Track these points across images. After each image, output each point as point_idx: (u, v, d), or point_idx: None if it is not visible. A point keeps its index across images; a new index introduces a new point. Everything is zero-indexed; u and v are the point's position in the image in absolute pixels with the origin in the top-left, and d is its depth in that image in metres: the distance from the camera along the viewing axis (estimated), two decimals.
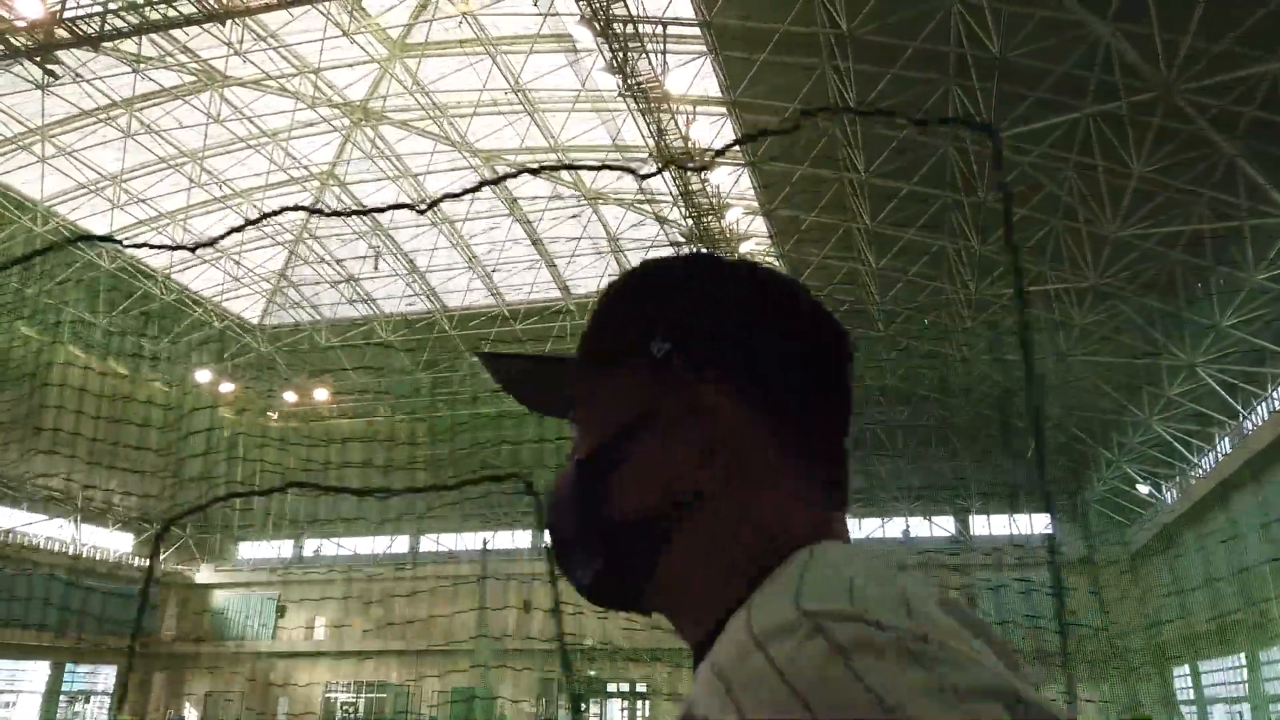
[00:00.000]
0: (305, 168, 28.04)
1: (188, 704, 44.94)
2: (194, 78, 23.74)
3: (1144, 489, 30.53)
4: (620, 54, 15.79)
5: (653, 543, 0.70)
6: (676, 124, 17.78)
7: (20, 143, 24.51)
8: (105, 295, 30.16)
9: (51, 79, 18.78)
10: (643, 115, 17.51)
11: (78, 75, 21.96)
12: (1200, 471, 27.57)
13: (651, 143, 18.52)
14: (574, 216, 28.55)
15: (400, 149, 27.29)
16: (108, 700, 42.79)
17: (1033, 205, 19.78)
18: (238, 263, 31.82)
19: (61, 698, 40.59)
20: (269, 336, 35.92)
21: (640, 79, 16.43)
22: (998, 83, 17.30)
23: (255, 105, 25.32)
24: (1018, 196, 20.18)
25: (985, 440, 35.41)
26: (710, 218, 21.14)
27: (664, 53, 16.61)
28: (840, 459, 0.73)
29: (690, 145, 18.37)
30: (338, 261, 32.99)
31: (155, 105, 24.91)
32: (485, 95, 23.15)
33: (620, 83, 16.65)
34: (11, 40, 15.76)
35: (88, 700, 42.30)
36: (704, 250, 0.95)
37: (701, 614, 0.67)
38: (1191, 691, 30.32)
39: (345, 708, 42.72)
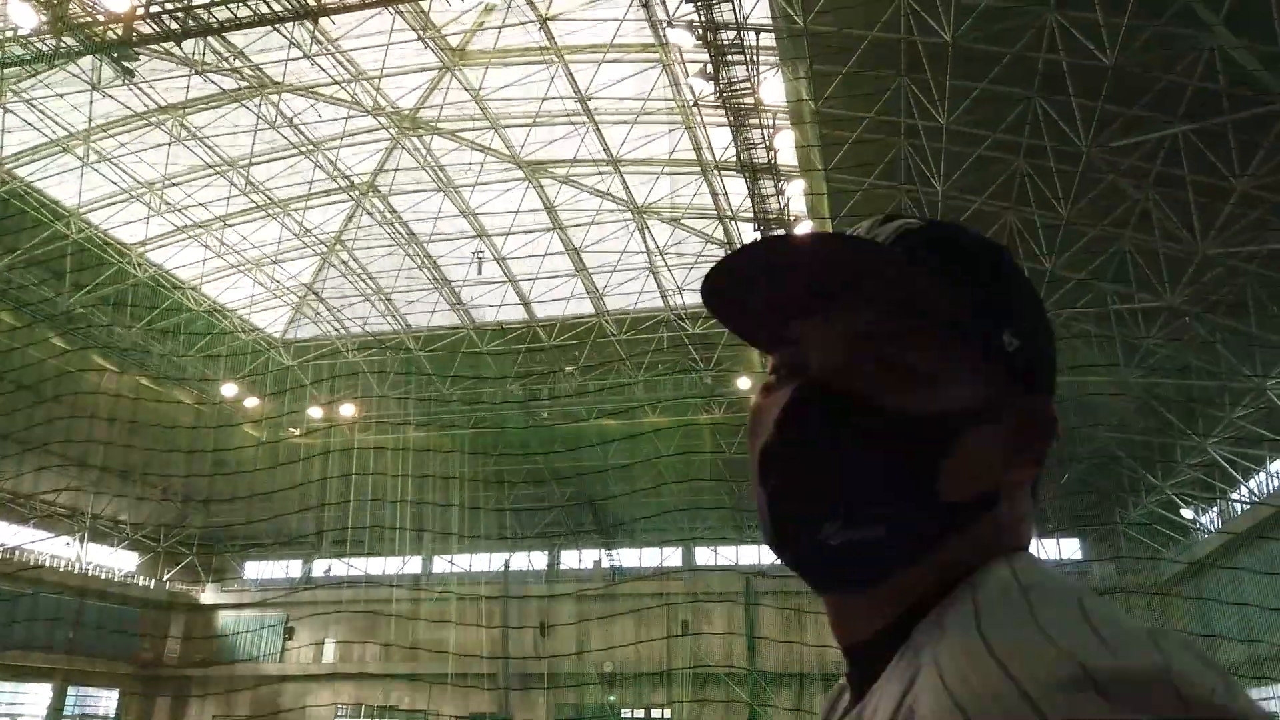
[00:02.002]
0: (348, 177, 27.54)
1: None
2: (246, 83, 23.26)
3: (1188, 513, 30.30)
4: (718, 60, 15.49)
5: (952, 528, 0.67)
6: (764, 133, 17.47)
7: (65, 145, 23.89)
8: (133, 308, 29.42)
9: (127, 77, 18.21)
10: (733, 126, 17.18)
11: (130, 78, 21.45)
12: (1247, 493, 27.42)
13: (732, 152, 18.21)
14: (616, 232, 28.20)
15: (446, 160, 26.85)
16: None
17: (1114, 220, 19.63)
18: (271, 277, 31.24)
19: None
20: (294, 350, 35.22)
21: (735, 85, 16.10)
22: (1086, 96, 17.13)
23: (304, 114, 24.86)
24: (1094, 213, 20.06)
25: None
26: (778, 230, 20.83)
27: (757, 60, 16.31)
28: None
29: (771, 156, 18.07)
30: (370, 275, 32.43)
31: (202, 111, 24.39)
32: (546, 106, 22.77)
33: (714, 90, 16.32)
34: (92, 34, 15.23)
35: None
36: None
37: (890, 605, 0.66)
38: None
39: None
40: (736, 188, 24.19)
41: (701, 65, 16.13)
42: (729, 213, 23.18)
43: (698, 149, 23.39)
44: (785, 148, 18.55)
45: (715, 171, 21.87)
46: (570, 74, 22.07)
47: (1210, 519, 30.56)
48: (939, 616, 0.62)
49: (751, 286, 0.71)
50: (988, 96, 18.08)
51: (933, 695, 0.54)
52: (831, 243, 0.69)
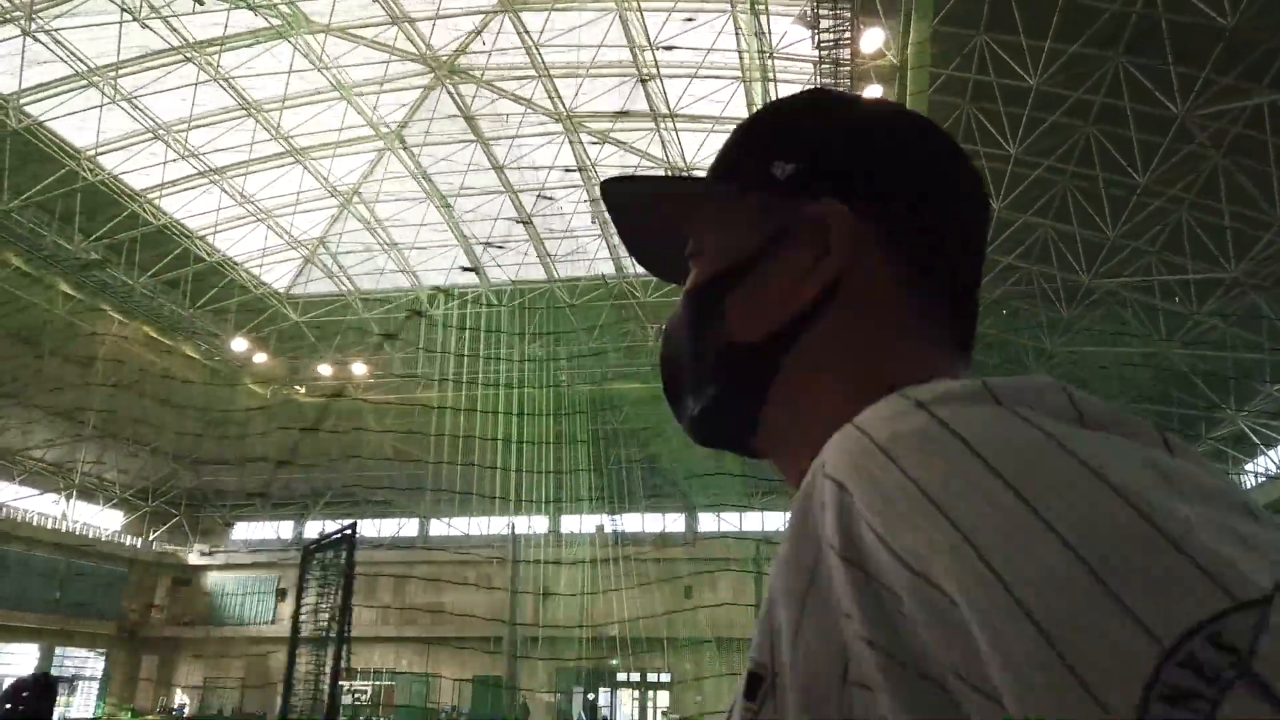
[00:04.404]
0: (376, 126, 26.56)
1: (179, 692, 42.79)
2: (280, 21, 22.19)
3: None
4: (819, 8, 14.94)
5: (768, 366, 0.67)
6: (853, 88, 16.99)
7: (91, 79, 22.61)
8: (141, 257, 28.22)
9: (197, 4, 17.13)
10: (829, 77, 16.66)
11: (157, 12, 20.34)
12: (1267, 464, 27.89)
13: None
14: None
15: (481, 111, 25.98)
16: (95, 687, 40.59)
17: (1185, 187, 19.53)
18: (288, 232, 30.21)
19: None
20: (303, 306, 34.19)
21: (837, 36, 15.57)
22: (1181, 60, 16.92)
23: (341, 57, 23.82)
24: (1167, 181, 19.94)
25: None
26: None
27: (854, 13, 15.79)
28: (970, 309, 0.69)
29: None
30: (386, 228, 31.50)
31: (232, 50, 23.23)
32: (601, 55, 22.04)
33: (813, 39, 15.78)
34: None
35: (73, 688, 39.95)
36: (829, 88, 0.95)
37: (808, 450, 0.62)
38: None
39: (355, 695, 41.06)
40: None
41: (801, 10, 15.57)
42: None
43: (750, 106, 22.85)
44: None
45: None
46: (627, 21, 21.37)
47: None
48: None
49: (647, 237, 0.78)
50: (1075, 60, 17.79)
51: (826, 451, 0.53)
52: (656, 184, 0.75)
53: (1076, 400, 0.47)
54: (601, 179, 0.78)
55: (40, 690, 4.10)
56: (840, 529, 0.48)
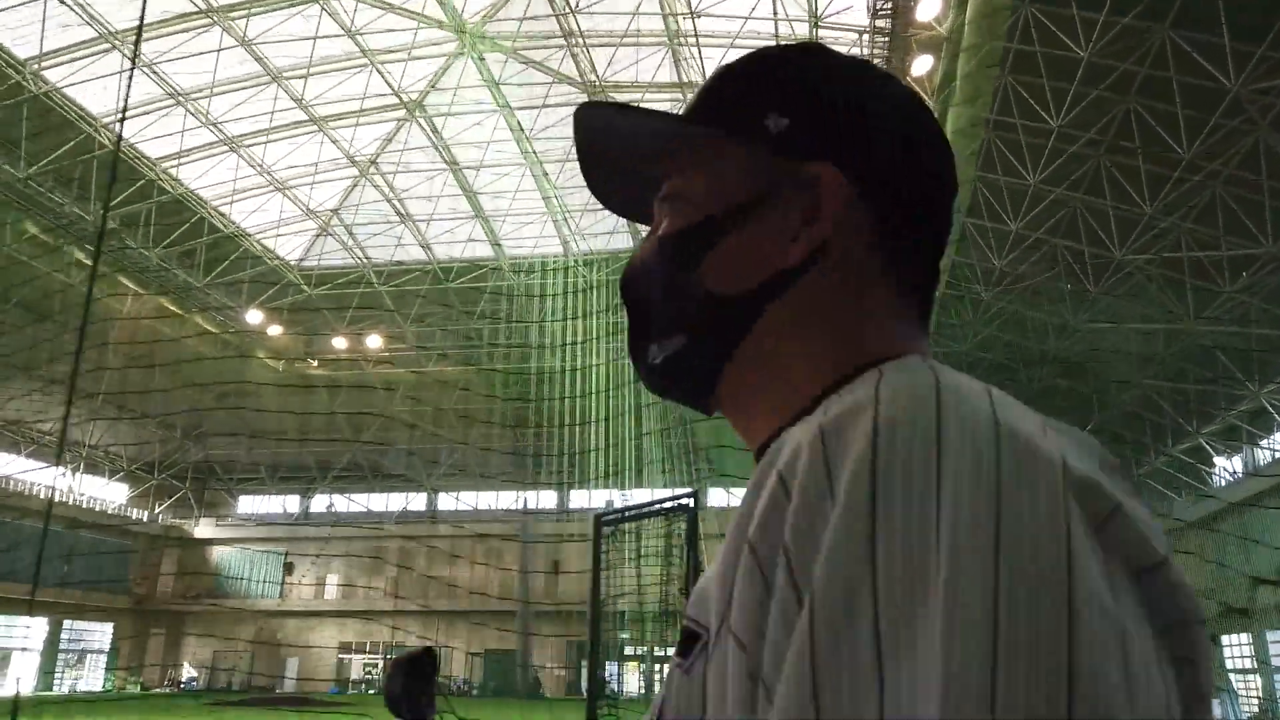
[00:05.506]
0: (399, 94, 26.19)
1: (186, 664, 42.76)
2: None
3: (1222, 462, 30.98)
4: None
5: (743, 321, 0.66)
6: (902, 59, 16.79)
7: (111, 41, 22.16)
8: (157, 226, 27.85)
9: None
10: (878, 47, 16.45)
11: None
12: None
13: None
14: None
15: (505, 80, 25.65)
16: (102, 659, 40.48)
17: (1225, 160, 19.46)
18: (305, 205, 29.82)
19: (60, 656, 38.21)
20: (316, 279, 33.86)
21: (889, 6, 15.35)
22: (1235, 35, 16.80)
23: (366, 26, 23.44)
24: (1208, 156, 19.85)
25: (1045, 411, 35.47)
26: None
27: None
28: (933, 278, 0.69)
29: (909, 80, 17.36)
30: (402, 201, 31.17)
31: (256, 16, 22.82)
32: (634, 25, 21.75)
33: (869, 6, 15.56)
34: None
35: (81, 660, 39.86)
36: (822, 44, 0.72)
37: (774, 416, 0.64)
38: (1242, 661, 31.14)
39: (367, 669, 41.13)
40: None
41: None
42: None
43: None
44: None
45: None
46: None
47: (1237, 465, 31.29)
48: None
49: (616, 170, 0.75)
50: (1123, 32, 17.64)
51: (787, 444, 0.53)
52: (631, 114, 0.70)
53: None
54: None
55: (430, 660, 4.14)
56: (760, 522, 0.50)
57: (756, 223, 0.67)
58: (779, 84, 0.69)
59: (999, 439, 0.45)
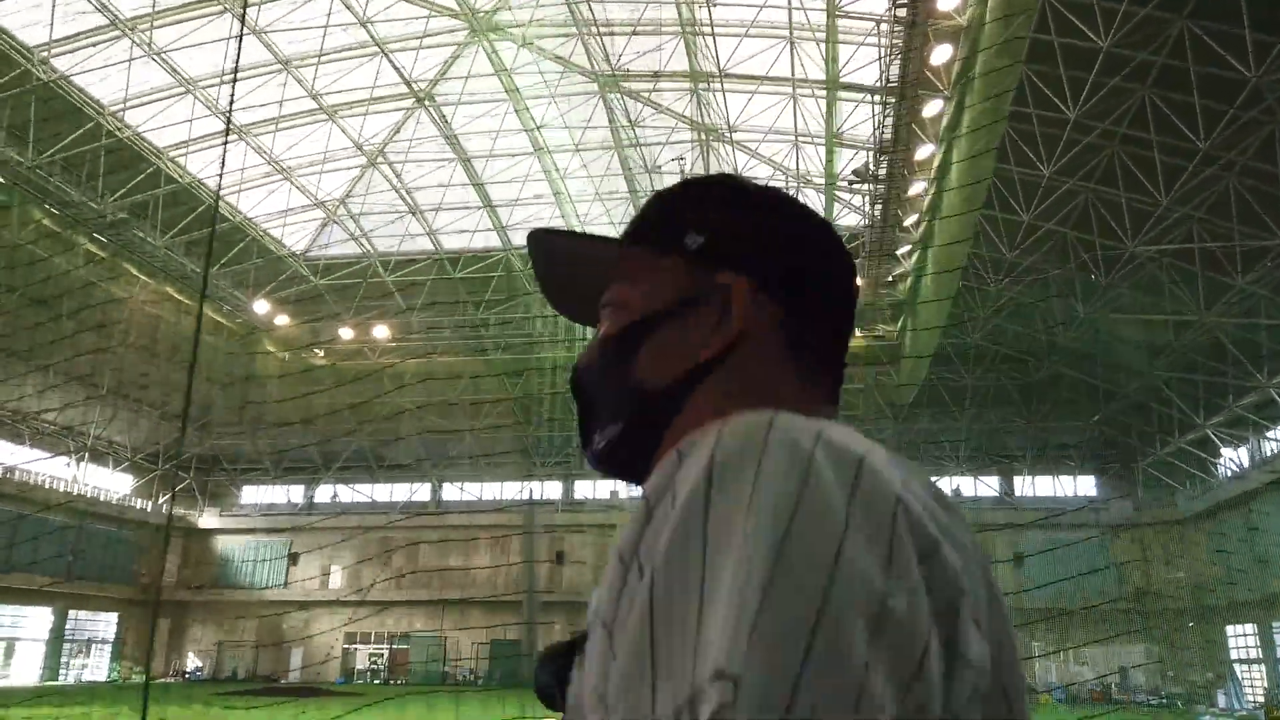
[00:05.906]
0: (410, 83, 26.07)
1: (191, 654, 42.78)
2: None
3: (1229, 452, 31.04)
4: None
5: (671, 407, 0.77)
6: (920, 48, 16.71)
7: (124, 29, 22.03)
8: (164, 216, 27.72)
9: None
10: (896, 38, 16.38)
11: None
12: None
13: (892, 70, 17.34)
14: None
15: (515, 70, 25.53)
16: (107, 649, 40.46)
17: (1240, 151, 19.45)
18: (313, 195, 29.69)
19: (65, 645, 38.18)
20: (322, 269, 33.76)
21: None
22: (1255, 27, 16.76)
23: (377, 14, 23.31)
24: (1223, 147, 19.84)
25: (1052, 401, 35.60)
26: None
27: None
28: (839, 360, 0.81)
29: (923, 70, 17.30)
30: (410, 191, 31.06)
31: (265, 5, 22.67)
32: (648, 13, 21.64)
33: None
34: None
35: (87, 652, 39.86)
36: (736, 174, 0.93)
37: None
38: (1248, 651, 31.27)
39: (373, 659, 41.16)
40: (818, 112, 23.58)
41: None
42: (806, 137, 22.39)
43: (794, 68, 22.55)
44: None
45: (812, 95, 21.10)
46: None
47: (1242, 456, 31.35)
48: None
49: (565, 283, 0.88)
50: (1142, 22, 17.59)
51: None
52: (579, 241, 0.84)
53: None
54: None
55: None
56: (627, 534, 0.60)
57: (681, 323, 0.78)
58: (697, 208, 0.83)
59: (811, 458, 0.54)
